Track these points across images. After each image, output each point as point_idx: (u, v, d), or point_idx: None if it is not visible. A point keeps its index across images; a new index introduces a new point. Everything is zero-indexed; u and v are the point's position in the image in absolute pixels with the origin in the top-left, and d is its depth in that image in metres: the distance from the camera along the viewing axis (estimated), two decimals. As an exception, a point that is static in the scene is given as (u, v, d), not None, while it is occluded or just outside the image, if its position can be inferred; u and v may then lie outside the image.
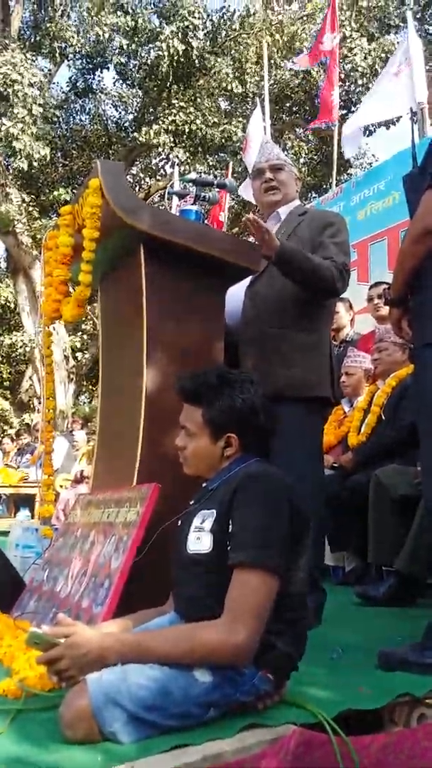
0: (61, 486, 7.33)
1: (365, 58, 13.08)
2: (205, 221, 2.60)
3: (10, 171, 13.01)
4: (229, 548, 1.45)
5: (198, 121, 13.77)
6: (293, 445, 2.37)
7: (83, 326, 15.59)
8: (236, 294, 2.55)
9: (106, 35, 13.49)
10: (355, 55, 13.03)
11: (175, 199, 2.60)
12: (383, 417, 3.62)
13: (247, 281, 2.57)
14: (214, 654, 1.36)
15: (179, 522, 1.67)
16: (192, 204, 2.53)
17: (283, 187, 2.75)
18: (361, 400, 3.92)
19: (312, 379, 2.52)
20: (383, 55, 13.00)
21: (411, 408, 3.32)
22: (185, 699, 1.34)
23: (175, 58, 13.34)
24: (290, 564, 1.47)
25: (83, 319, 15.07)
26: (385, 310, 3.81)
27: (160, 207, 2.77)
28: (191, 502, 1.66)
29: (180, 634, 1.41)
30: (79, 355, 15.16)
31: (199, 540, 1.52)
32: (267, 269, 2.51)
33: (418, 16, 13.74)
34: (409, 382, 3.44)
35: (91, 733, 1.29)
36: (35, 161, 12.45)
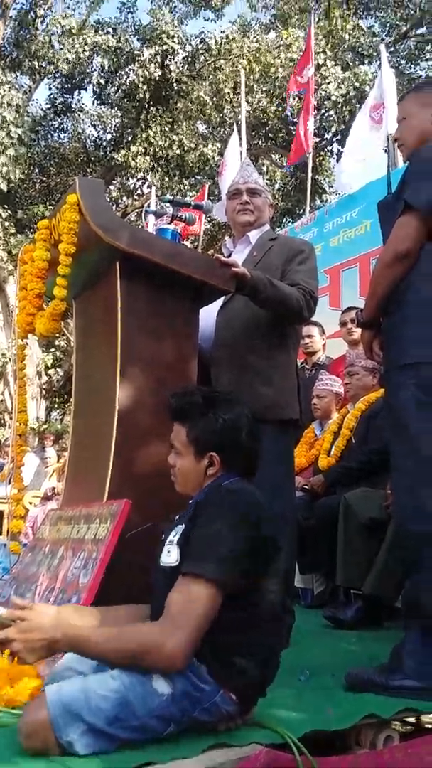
0: (30, 503, 7.23)
1: (338, 86, 13.33)
2: (181, 241, 2.62)
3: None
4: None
5: (175, 146, 13.90)
6: (267, 464, 2.37)
7: (57, 342, 15.48)
8: (208, 315, 2.56)
9: (86, 54, 13.58)
10: (329, 83, 13.28)
11: (151, 218, 2.61)
12: (353, 440, 3.65)
13: (218, 303, 2.59)
14: (149, 656, 1.37)
15: (162, 535, 1.67)
16: (168, 223, 2.55)
17: (258, 211, 2.78)
18: (332, 422, 3.95)
19: (282, 401, 2.54)
20: (357, 84, 13.29)
21: (381, 431, 3.36)
22: (144, 710, 1.35)
23: (153, 82, 13.49)
24: (254, 583, 1.49)
25: (57, 335, 14.99)
26: (357, 334, 3.85)
27: (137, 225, 2.80)
28: (176, 517, 1.67)
29: (119, 634, 1.42)
30: (51, 371, 15.03)
31: (169, 553, 1.54)
32: None
33: (391, 49, 14.11)
34: (379, 407, 3.49)
35: (49, 744, 1.30)
36: (12, 183, 12.46)
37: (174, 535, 1.56)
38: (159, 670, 1.38)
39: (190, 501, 1.63)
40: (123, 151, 13.98)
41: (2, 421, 14.77)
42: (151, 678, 1.38)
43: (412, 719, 1.93)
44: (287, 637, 2.46)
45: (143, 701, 1.35)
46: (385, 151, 6.26)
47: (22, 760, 1.30)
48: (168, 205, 2.65)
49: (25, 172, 13.51)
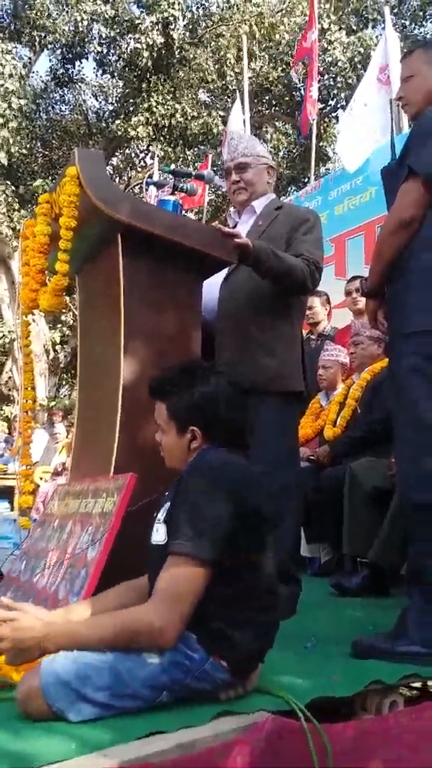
0: (41, 478, 7.30)
1: (344, 51, 13.09)
2: (183, 212, 2.59)
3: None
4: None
5: (177, 114, 13.71)
6: (270, 436, 2.39)
7: (63, 318, 15.48)
8: (211, 287, 2.55)
9: (85, 23, 13.34)
10: (334, 49, 13.04)
11: (152, 189, 2.58)
12: (359, 410, 3.65)
13: (222, 274, 2.57)
14: (138, 636, 1.41)
15: (154, 513, 1.68)
16: (170, 194, 2.52)
17: (250, 186, 2.72)
18: (337, 393, 3.95)
19: (286, 372, 2.53)
20: (362, 49, 13.04)
21: (386, 400, 3.35)
22: (134, 680, 1.38)
23: (155, 50, 13.27)
24: (245, 557, 1.50)
25: (63, 311, 14.98)
26: (362, 304, 3.83)
27: (139, 197, 2.77)
28: (166, 494, 1.68)
29: (108, 621, 1.45)
30: (59, 348, 15.06)
31: (158, 531, 1.56)
32: None
33: (395, 11, 13.81)
34: (384, 376, 3.48)
35: (43, 711, 1.34)
36: (15, 156, 12.35)
37: (161, 513, 1.58)
38: (152, 648, 1.41)
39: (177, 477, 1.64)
40: (123, 122, 13.80)
41: (11, 398, 14.85)
42: (141, 649, 1.41)
43: (417, 684, 1.95)
44: (294, 605, 2.49)
45: (133, 671, 1.39)
46: (391, 114, 6.14)
47: (24, 726, 1.33)
48: (169, 175, 2.62)
49: (27, 146, 13.38)
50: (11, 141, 12.12)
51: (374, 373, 3.61)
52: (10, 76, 12.09)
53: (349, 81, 13.26)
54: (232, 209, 2.93)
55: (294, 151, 15.83)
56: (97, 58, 14.81)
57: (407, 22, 15.10)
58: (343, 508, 3.12)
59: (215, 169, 11.87)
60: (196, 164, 13.83)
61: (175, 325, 2.32)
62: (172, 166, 2.69)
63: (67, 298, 11.93)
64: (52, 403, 13.62)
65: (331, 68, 13.37)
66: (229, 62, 14.28)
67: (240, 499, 1.49)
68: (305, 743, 1.41)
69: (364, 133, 6.49)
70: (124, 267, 2.24)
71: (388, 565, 2.82)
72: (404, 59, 2.25)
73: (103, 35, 13.82)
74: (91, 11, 13.35)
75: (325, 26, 12.75)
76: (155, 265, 2.29)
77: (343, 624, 2.39)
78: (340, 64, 13.14)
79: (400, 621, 1.93)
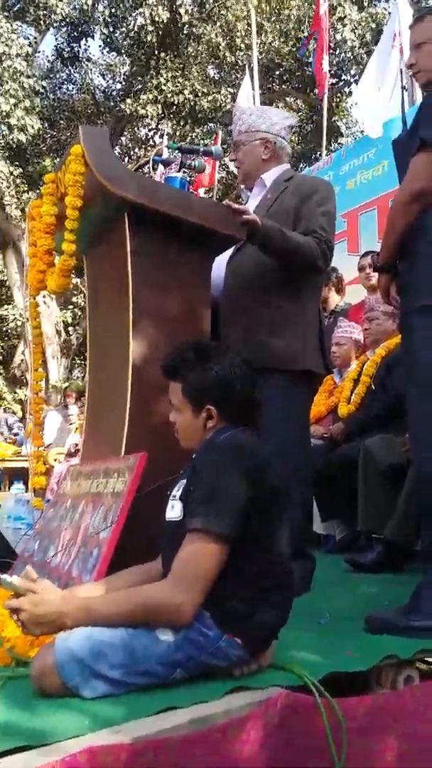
0: (55, 459, 7.34)
1: (354, 29, 12.86)
2: (191, 189, 2.56)
3: (3, 138, 12.81)
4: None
5: (186, 91, 13.56)
6: (277, 417, 2.34)
7: (74, 300, 15.49)
8: (219, 265, 2.52)
9: (90, 1, 13.18)
10: (344, 26, 12.81)
11: (160, 166, 2.56)
12: (373, 387, 3.62)
13: (229, 252, 2.54)
14: (155, 614, 1.41)
15: (168, 491, 1.68)
16: (177, 171, 2.49)
17: (242, 164, 2.68)
18: (351, 370, 3.92)
19: (297, 350, 2.47)
20: (373, 25, 12.80)
21: (401, 377, 3.33)
22: (148, 657, 1.39)
23: (162, 25, 13.09)
24: (259, 535, 1.50)
25: (74, 293, 15.01)
26: (375, 279, 3.79)
27: (148, 176, 2.74)
28: (181, 471, 1.68)
29: (126, 597, 1.46)
30: (71, 329, 15.09)
31: (173, 508, 1.57)
32: None
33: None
34: (399, 352, 3.44)
35: (57, 688, 1.36)
36: (29, 135, 12.29)
37: (177, 490, 1.59)
38: (168, 626, 1.42)
39: (193, 456, 1.63)
40: (132, 100, 13.67)
41: (24, 380, 14.92)
42: (156, 627, 1.42)
43: (432, 659, 1.95)
44: (308, 582, 2.49)
45: (147, 648, 1.39)
46: (402, 88, 6.03)
47: (38, 702, 1.35)
48: (177, 152, 2.58)
49: (36, 126, 13.29)
50: (27, 120, 12.03)
51: (389, 350, 3.57)
52: (17, 55, 11.98)
53: (360, 58, 13.03)
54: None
55: (306, 126, 15.63)
56: (104, 36, 14.65)
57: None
58: (358, 485, 3.11)
59: (225, 146, 11.75)
60: (205, 142, 13.69)
61: (184, 304, 2.30)
62: (180, 144, 2.64)
63: (78, 279, 11.95)
64: (65, 385, 13.68)
65: (342, 45, 13.14)
66: (239, 37, 14.08)
67: (255, 477, 1.49)
68: (319, 718, 1.41)
69: (380, 101, 6.40)
70: (131, 245, 2.22)
71: (403, 541, 2.81)
72: (414, 26, 2.19)
73: (109, 12, 13.63)
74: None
75: (335, 3, 12.51)
76: (163, 244, 2.27)
77: (358, 600, 2.39)
78: (350, 42, 12.90)
79: (415, 596, 1.93)
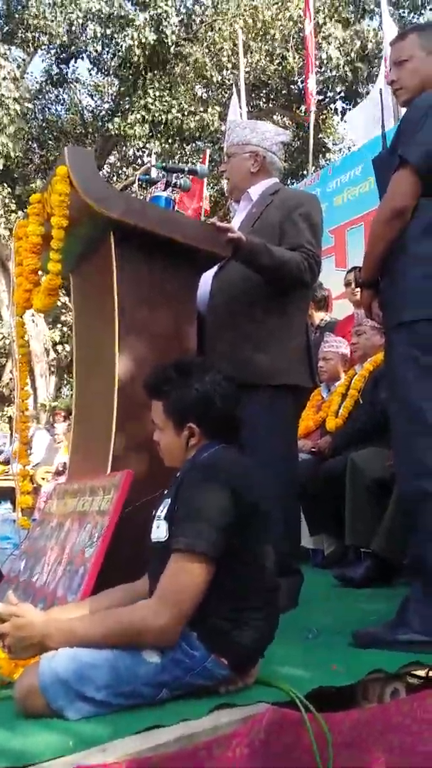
0: (42, 478, 7.31)
1: (340, 45, 13.04)
2: (176, 208, 2.59)
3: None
4: None
5: (174, 110, 13.68)
6: (262, 433, 2.35)
7: (63, 318, 15.49)
8: (205, 280, 2.53)
9: (80, 21, 13.30)
10: (329, 44, 12.98)
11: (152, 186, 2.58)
12: (361, 401, 3.64)
13: (215, 267, 2.55)
14: (139, 635, 1.41)
15: (153, 511, 1.69)
16: (163, 190, 2.52)
17: (231, 175, 2.72)
18: (339, 384, 3.94)
19: (281, 365, 2.47)
20: (358, 42, 12.99)
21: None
22: (133, 678, 1.38)
23: (149, 46, 13.23)
24: (244, 553, 1.50)
25: (63, 311, 15.01)
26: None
27: (137, 195, 2.77)
28: (165, 492, 1.68)
29: (109, 618, 1.46)
30: (59, 348, 15.06)
31: (158, 528, 1.57)
32: None
33: (392, 1, 13.73)
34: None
35: (41, 709, 1.35)
36: (10, 161, 12.35)
37: (162, 510, 1.59)
38: (152, 647, 1.42)
39: (177, 474, 1.64)
40: (120, 120, 13.77)
41: (13, 399, 14.85)
42: (141, 647, 1.41)
43: (420, 673, 1.95)
44: (295, 597, 2.49)
45: (132, 669, 1.39)
46: (382, 101, 6.12)
47: (21, 723, 1.34)
48: (162, 171, 2.61)
49: (24, 148, 13.37)
50: (10, 146, 12.10)
51: (376, 364, 3.60)
52: (4, 79, 12.06)
53: (344, 76, 13.21)
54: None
55: (293, 143, 15.77)
56: (92, 57, 14.78)
57: (405, 12, 14.99)
58: (345, 498, 3.12)
59: (212, 165, 11.85)
60: (193, 161, 13.81)
61: (169, 321, 2.32)
62: (165, 163, 2.67)
63: (66, 298, 11.95)
64: (54, 404, 13.64)
65: (327, 63, 13.31)
66: (225, 57, 14.24)
67: (238, 494, 1.49)
68: (306, 733, 1.41)
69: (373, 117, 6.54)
70: (117, 264, 2.23)
71: (391, 555, 2.82)
72: (396, 43, 2.21)
73: (98, 34, 13.76)
74: (86, 9, 13.29)
75: (321, 21, 12.69)
76: (149, 262, 2.28)
77: (346, 615, 2.39)
78: (335, 60, 13.07)
79: (401, 610, 1.93)
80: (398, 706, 1.62)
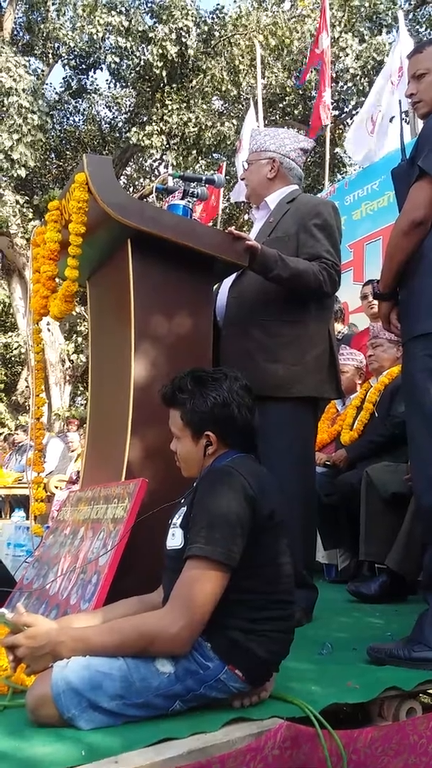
0: (56, 487, 7.30)
1: (357, 58, 13.09)
2: (193, 217, 2.59)
3: (4, 172, 13.00)
4: None
5: (191, 123, 13.78)
6: (277, 445, 2.33)
7: (79, 328, 15.57)
8: (221, 290, 2.53)
9: (100, 35, 13.44)
10: (346, 56, 13.04)
11: (169, 195, 2.59)
12: (376, 414, 3.61)
13: (232, 277, 2.55)
14: (152, 643, 1.38)
15: (168, 519, 1.67)
16: (180, 199, 2.52)
17: (249, 182, 2.74)
18: (354, 397, 3.92)
19: (296, 377, 2.45)
20: (375, 55, 13.03)
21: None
22: (147, 689, 1.36)
23: (169, 60, 13.35)
24: (261, 564, 1.48)
25: (78, 321, 15.09)
26: (377, 307, 3.80)
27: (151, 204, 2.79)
28: (181, 500, 1.67)
29: (122, 625, 1.43)
30: (74, 357, 15.14)
31: (174, 536, 1.56)
32: None
33: (409, 16, 13.79)
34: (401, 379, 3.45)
35: (53, 719, 1.33)
36: (29, 169, 12.47)
37: (177, 518, 1.58)
38: (165, 655, 1.40)
39: (194, 483, 1.63)
40: (137, 131, 13.88)
41: (27, 407, 14.93)
42: (154, 657, 1.39)
43: (436, 691, 1.92)
44: (310, 612, 2.46)
45: (146, 680, 1.37)
46: (401, 120, 6.14)
47: (33, 732, 1.32)
48: (179, 180, 2.61)
49: (41, 157, 13.50)
50: (29, 155, 12.23)
51: (392, 377, 3.57)
52: (24, 90, 12.20)
53: (361, 88, 13.25)
54: (253, 207, 2.91)
55: (309, 158, 15.83)
56: (111, 68, 14.93)
57: (422, 29, 15.05)
58: (360, 513, 3.09)
59: (228, 177, 11.90)
60: (210, 173, 13.87)
61: (186, 330, 2.31)
62: (183, 172, 2.68)
63: (82, 308, 12.01)
64: (68, 413, 13.67)
65: (344, 75, 13.37)
66: (243, 71, 14.34)
67: (256, 503, 1.48)
68: (320, 750, 1.39)
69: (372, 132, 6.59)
70: (134, 272, 2.24)
71: (405, 571, 2.78)
72: (413, 56, 2.21)
73: (117, 46, 13.89)
74: (106, 23, 13.44)
75: (336, 35, 12.75)
76: (165, 270, 2.28)
77: (361, 630, 2.35)
78: (351, 71, 13.13)
79: (417, 627, 1.90)
80: (414, 724, 1.58)
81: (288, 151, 2.70)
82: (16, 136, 12.05)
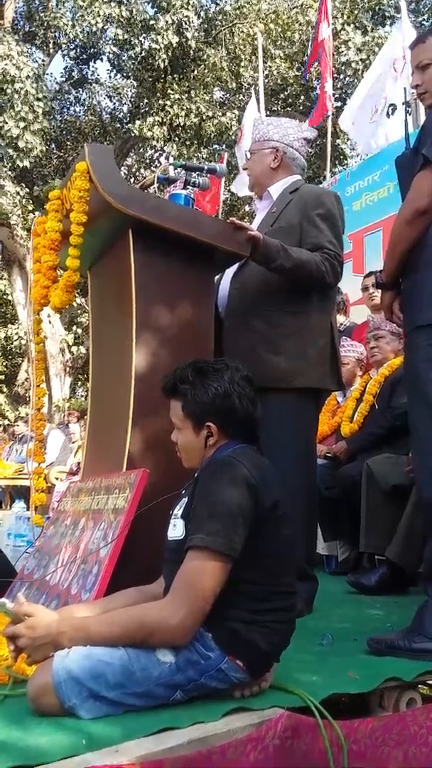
0: (56, 478, 7.31)
1: (358, 51, 13.02)
2: (195, 207, 2.57)
3: (5, 164, 12.94)
4: None
5: (192, 114, 13.71)
6: (279, 437, 2.32)
7: (79, 319, 15.55)
8: (223, 281, 2.52)
9: (99, 25, 13.35)
10: (348, 48, 12.97)
11: (168, 186, 2.58)
12: (376, 406, 3.61)
13: (234, 268, 2.54)
14: (153, 633, 1.38)
15: (170, 510, 1.67)
16: (182, 189, 2.50)
17: (252, 171, 2.72)
18: (354, 389, 3.91)
19: (297, 368, 2.44)
20: (376, 48, 12.95)
21: (404, 395, 3.33)
22: (147, 679, 1.37)
23: (170, 50, 13.27)
24: (262, 554, 1.48)
25: (78, 312, 15.07)
26: (379, 299, 3.79)
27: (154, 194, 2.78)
28: (182, 491, 1.67)
29: (123, 616, 1.44)
30: (75, 348, 15.12)
31: (175, 527, 1.56)
32: None
33: (411, 7, 13.71)
34: (402, 371, 3.44)
35: (54, 708, 1.33)
36: (33, 157, 12.41)
37: (178, 509, 1.58)
38: (166, 646, 1.40)
39: (195, 474, 1.62)
40: (139, 122, 13.82)
41: (28, 398, 14.93)
42: (155, 647, 1.40)
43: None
44: (310, 603, 2.46)
45: (146, 670, 1.37)
46: (405, 109, 6.11)
47: (34, 721, 1.32)
48: (181, 170, 2.59)
49: (44, 148, 13.44)
50: (36, 141, 12.16)
51: (392, 369, 3.57)
52: (27, 78, 12.13)
53: (361, 79, 13.17)
54: (255, 198, 2.89)
55: (310, 150, 15.76)
56: (112, 59, 14.85)
57: (425, 19, 14.95)
58: (361, 505, 3.09)
59: (229, 168, 11.85)
60: (210, 163, 13.81)
61: (187, 320, 2.30)
62: (184, 162, 2.66)
63: (82, 299, 11.98)
64: (69, 404, 13.67)
65: (345, 69, 13.29)
66: (244, 61, 14.26)
67: (258, 493, 1.48)
68: (321, 740, 1.39)
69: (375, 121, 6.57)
70: (135, 262, 2.22)
71: (406, 563, 2.78)
72: (417, 46, 2.19)
73: (118, 37, 13.81)
74: (106, 14, 13.35)
75: (339, 27, 12.67)
76: (167, 260, 2.27)
77: (361, 621, 2.36)
78: (353, 65, 13.05)
79: (417, 617, 1.90)
80: (415, 715, 1.59)
81: (291, 140, 2.68)
82: (22, 124, 11.99)
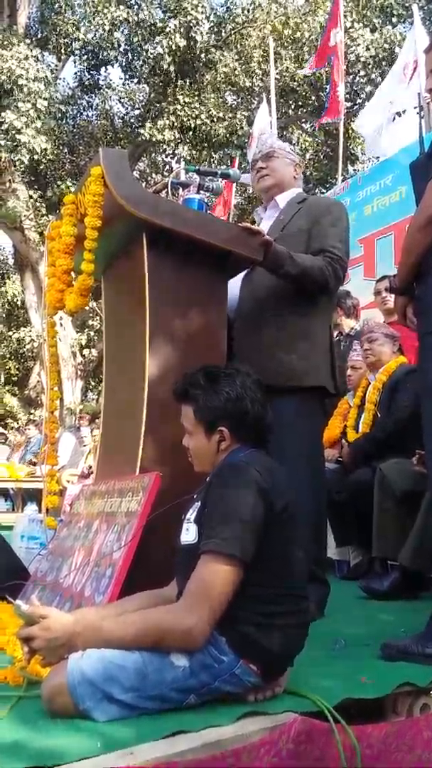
0: (68, 481, 7.34)
1: (368, 48, 13.00)
2: (209, 211, 2.58)
3: (17, 166, 13.01)
4: None
5: (203, 116, 13.74)
6: (288, 439, 2.33)
7: (90, 322, 15.60)
8: (233, 285, 2.53)
9: (108, 28, 13.41)
10: (357, 45, 12.96)
11: (180, 190, 2.58)
12: (378, 415, 3.59)
13: (242, 274, 2.55)
14: (166, 637, 1.39)
15: (182, 514, 1.68)
16: (195, 193, 2.52)
17: (274, 173, 2.73)
18: (355, 396, 3.89)
19: (305, 368, 2.47)
20: (386, 45, 12.94)
21: (402, 401, 3.35)
22: (160, 682, 1.37)
23: (179, 53, 13.31)
24: (274, 558, 1.48)
25: (90, 315, 15.12)
26: (391, 303, 3.78)
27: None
28: (194, 495, 1.67)
29: (137, 619, 1.44)
30: (86, 351, 15.17)
31: (188, 531, 1.56)
32: None
33: (422, 6, 13.67)
34: (400, 376, 3.49)
35: (68, 709, 1.34)
36: (36, 155, 12.46)
37: (191, 513, 1.58)
38: (179, 650, 1.40)
39: (207, 478, 1.63)
40: (150, 125, 13.86)
41: (39, 402, 14.99)
42: (169, 651, 1.40)
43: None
44: (322, 608, 2.45)
45: (160, 673, 1.37)
46: (419, 113, 6.09)
47: (49, 723, 1.33)
48: (194, 174, 2.61)
49: (55, 151, 13.50)
50: (41, 139, 12.22)
51: (389, 374, 3.57)
52: (35, 79, 12.21)
53: (373, 77, 13.17)
54: (259, 207, 2.91)
55: (321, 152, 15.74)
56: (123, 63, 14.90)
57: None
58: (373, 509, 3.08)
59: (241, 170, 11.84)
60: (223, 166, 13.82)
61: (201, 324, 2.31)
62: (198, 166, 2.68)
63: (94, 302, 12.01)
64: (80, 407, 13.71)
65: (355, 66, 13.28)
66: (255, 64, 14.27)
67: (269, 497, 1.48)
68: (334, 744, 1.39)
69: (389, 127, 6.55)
70: (149, 266, 2.24)
71: (418, 568, 2.77)
72: (431, 51, 2.20)
73: (128, 41, 13.87)
74: (115, 17, 13.40)
75: (348, 25, 12.66)
76: (180, 264, 2.28)
77: (373, 626, 2.35)
78: (363, 61, 13.04)
79: (430, 623, 1.89)
80: (428, 720, 1.58)
81: (298, 161, 2.82)
82: (24, 120, 12.06)
